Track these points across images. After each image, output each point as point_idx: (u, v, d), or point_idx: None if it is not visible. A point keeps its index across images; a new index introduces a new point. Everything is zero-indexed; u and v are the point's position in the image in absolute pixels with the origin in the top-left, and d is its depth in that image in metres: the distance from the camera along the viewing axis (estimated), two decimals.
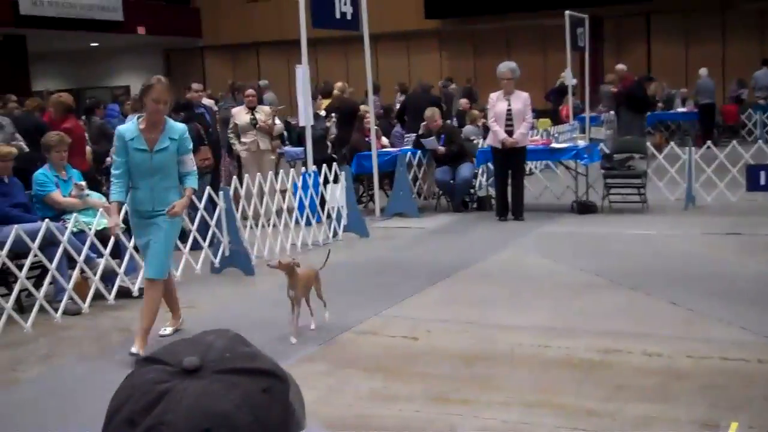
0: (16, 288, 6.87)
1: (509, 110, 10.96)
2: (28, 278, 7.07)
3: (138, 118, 6.05)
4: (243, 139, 11.38)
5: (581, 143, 11.84)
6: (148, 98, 5.82)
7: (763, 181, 10.61)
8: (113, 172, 6.00)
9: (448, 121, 14.65)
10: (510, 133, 10.94)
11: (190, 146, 6.18)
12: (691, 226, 10.16)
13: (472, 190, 12.59)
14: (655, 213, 11.23)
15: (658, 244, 9.24)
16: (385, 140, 13.60)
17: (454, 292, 7.54)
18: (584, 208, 11.52)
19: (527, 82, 23.42)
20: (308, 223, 9.91)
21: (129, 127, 5.98)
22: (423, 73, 25.71)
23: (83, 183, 7.84)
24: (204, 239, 8.65)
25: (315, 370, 5.49)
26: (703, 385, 4.87)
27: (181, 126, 6.09)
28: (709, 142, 12.73)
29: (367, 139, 12.18)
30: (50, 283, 7.21)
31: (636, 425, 4.36)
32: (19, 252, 7.02)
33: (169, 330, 6.46)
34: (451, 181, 12.03)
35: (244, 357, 0.99)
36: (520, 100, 11.03)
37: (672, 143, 13.21)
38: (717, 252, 8.66)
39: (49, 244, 7.05)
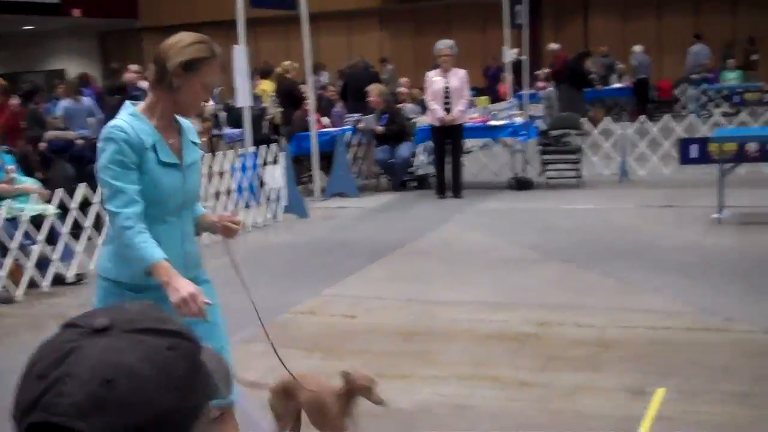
0: None
1: (447, 88, 11.03)
2: None
3: (137, 107, 3.21)
4: None
5: (518, 120, 11.97)
6: (190, 78, 3.11)
7: (694, 155, 10.85)
8: (123, 211, 3.03)
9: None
10: (448, 111, 11.02)
11: None
12: (625, 199, 10.37)
13: (411, 169, 12.66)
14: (590, 187, 11.43)
15: (593, 217, 9.42)
16: (325, 120, 13.58)
17: (393, 269, 7.61)
18: (521, 184, 11.67)
19: (467, 59, 23.57)
20: (247, 206, 9.88)
21: (138, 124, 3.13)
22: (364, 53, 25.61)
23: (12, 167, 7.71)
24: None
25: (254, 351, 5.49)
26: (632, 354, 5.01)
27: (188, 122, 3.38)
28: (642, 117, 12.98)
29: (307, 118, 12.15)
30: None
31: (567, 394, 4.47)
32: None
33: None
34: (391, 160, 12.09)
35: (153, 319, 1.04)
36: (458, 77, 11.10)
37: (606, 118, 13.43)
38: (650, 224, 8.86)
39: None
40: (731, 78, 21.77)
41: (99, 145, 3.09)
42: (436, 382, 4.75)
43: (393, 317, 6.09)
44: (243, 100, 10.00)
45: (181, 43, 3.10)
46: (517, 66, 17.88)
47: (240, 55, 9.80)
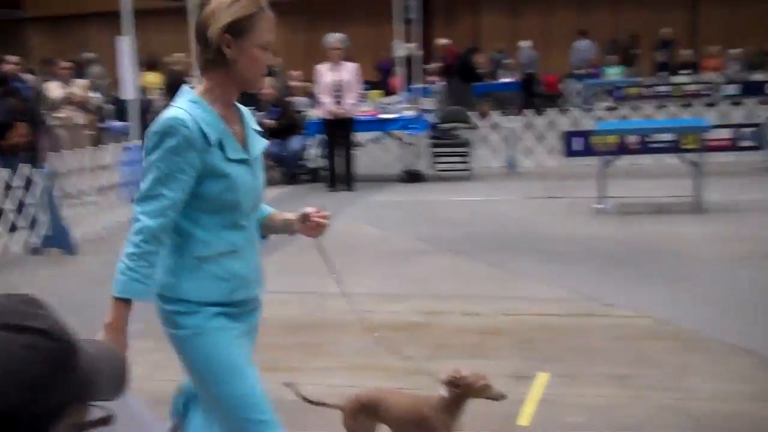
0: None
1: (338, 81, 11.05)
2: None
3: (197, 91, 2.66)
4: (58, 114, 10.92)
5: (409, 114, 12.09)
6: (243, 44, 2.58)
7: (578, 147, 11.19)
8: (147, 223, 2.57)
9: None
10: (339, 104, 11.03)
11: None
12: (512, 191, 10.61)
13: (303, 162, 12.63)
14: (479, 180, 11.65)
15: (481, 209, 9.60)
16: None
17: (284, 263, 7.56)
18: (412, 177, 11.80)
19: (360, 53, 23.61)
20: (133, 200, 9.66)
21: (201, 114, 2.57)
22: None
23: None
24: (21, 219, 8.28)
25: (140, 347, 5.38)
26: (517, 340, 5.14)
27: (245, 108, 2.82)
28: (528, 111, 13.31)
29: None
30: None
31: None
32: None
33: None
34: (283, 153, 12.03)
35: (19, 314, 1.00)
36: (348, 71, 11.13)
37: (494, 113, 13.69)
38: (536, 215, 9.10)
39: None
40: (613, 73, 22.51)
41: (152, 136, 2.54)
42: (327, 374, 4.77)
43: (284, 310, 6.06)
44: (129, 92, 9.78)
45: (221, 6, 2.55)
46: (409, 60, 18.04)
47: (125, 46, 9.57)
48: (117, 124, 13.48)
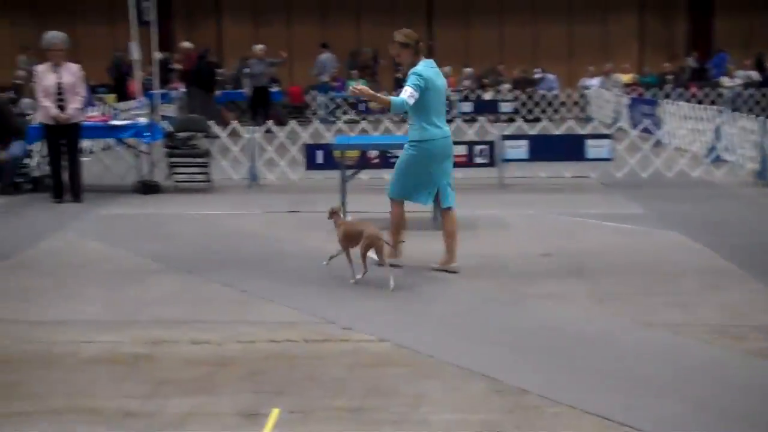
0: None
1: (60, 84, 10.13)
2: None
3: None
4: None
5: (142, 121, 11.36)
6: None
7: (319, 160, 11.02)
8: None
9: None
10: (62, 108, 10.12)
11: None
12: (253, 205, 10.23)
13: (25, 170, 11.51)
14: (219, 192, 11.18)
15: (220, 224, 9.13)
16: None
17: None
18: (148, 188, 11.10)
19: (94, 54, 22.29)
20: None
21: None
22: None
23: None
24: None
25: None
26: (249, 372, 4.74)
27: None
28: (269, 123, 13.00)
29: None
30: None
31: (175, 423, 4.07)
32: None
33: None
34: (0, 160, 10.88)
35: None
36: (71, 72, 10.25)
37: (234, 123, 13.24)
38: (276, 231, 8.76)
39: None
40: None
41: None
42: (23, 421, 4.10)
43: None
44: None
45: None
46: (164, 64, 17.17)
47: None
48: None
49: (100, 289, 6.55)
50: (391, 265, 6.56)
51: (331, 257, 6.75)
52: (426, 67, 6.82)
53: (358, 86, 7.04)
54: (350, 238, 6.54)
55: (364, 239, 6.40)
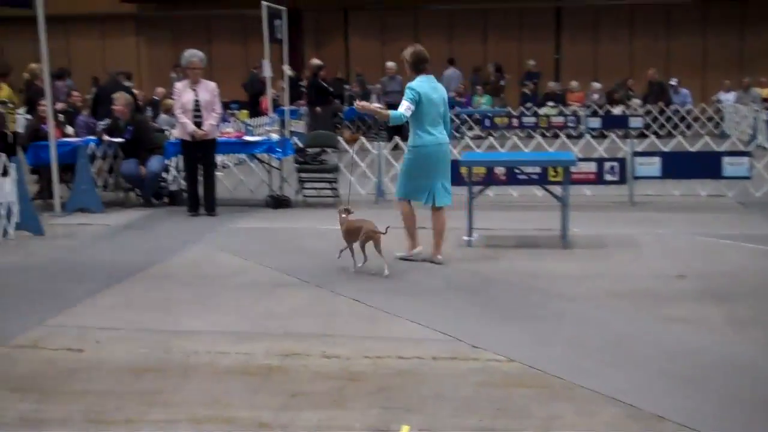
0: None
1: (197, 101, 10.52)
2: None
3: None
4: None
5: (274, 137, 11.66)
6: None
7: None
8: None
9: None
10: (199, 125, 10.50)
11: None
12: (379, 220, 10.27)
13: (163, 184, 12.01)
14: None
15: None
16: (69, 129, 12.61)
17: (132, 295, 6.99)
18: (278, 202, 11.37)
19: (227, 71, 23.06)
20: None
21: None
22: (119, 59, 24.41)
23: None
24: None
25: None
26: (378, 387, 4.78)
27: None
28: (397, 138, 13.10)
29: (44, 126, 11.16)
30: None
31: None
32: None
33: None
34: (139, 174, 11.37)
35: None
36: (208, 90, 10.63)
37: (363, 138, 13.43)
38: (402, 246, 8.78)
39: None
40: (482, 102, 22.76)
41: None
42: (164, 427, 4.27)
43: (125, 351, 5.51)
44: None
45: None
46: (293, 81, 17.63)
47: None
48: None
49: (234, 301, 6.74)
50: (432, 262, 7.90)
51: (341, 251, 7.69)
52: (421, 82, 7.77)
53: (361, 102, 8.15)
54: (351, 234, 7.57)
55: (363, 234, 7.45)
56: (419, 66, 7.83)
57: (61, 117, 12.57)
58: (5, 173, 9.37)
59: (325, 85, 17.61)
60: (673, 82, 22.79)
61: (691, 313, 6.21)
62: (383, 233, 7.46)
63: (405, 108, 7.58)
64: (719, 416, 4.33)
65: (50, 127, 10.84)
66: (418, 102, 7.63)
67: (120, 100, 11.63)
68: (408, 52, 7.88)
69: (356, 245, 7.57)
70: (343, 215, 7.76)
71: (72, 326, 6.06)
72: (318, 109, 17.16)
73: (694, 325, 5.93)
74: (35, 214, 9.72)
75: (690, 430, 4.14)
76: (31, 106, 12.64)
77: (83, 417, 4.42)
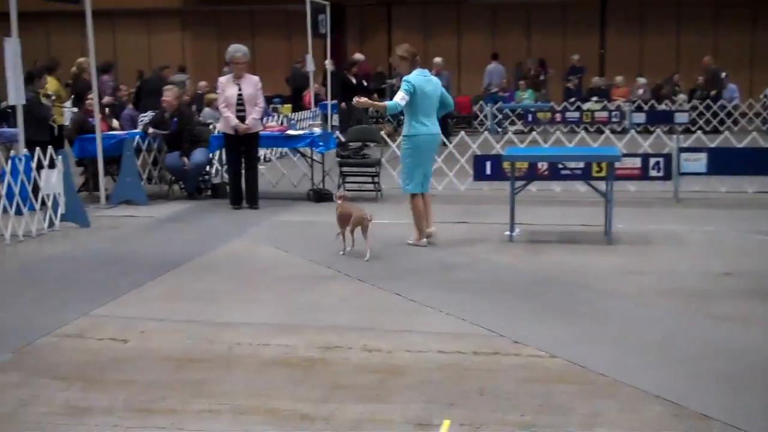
0: None
1: (240, 95, 10.59)
2: None
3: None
4: None
5: (317, 131, 11.69)
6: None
7: (488, 171, 10.99)
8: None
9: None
10: (242, 119, 10.57)
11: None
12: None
13: (206, 177, 12.12)
14: (388, 201, 11.33)
15: (388, 233, 9.21)
16: (115, 122, 12.77)
17: (175, 287, 7.07)
18: (320, 196, 11.40)
19: (270, 66, 23.18)
20: (19, 212, 8.98)
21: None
22: (165, 54, 24.67)
23: None
24: None
25: (4, 382, 4.86)
26: (419, 381, 4.78)
27: None
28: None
29: (91, 119, 11.32)
30: None
31: (349, 428, 4.16)
32: None
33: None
34: (184, 167, 11.48)
35: None
36: (251, 84, 10.68)
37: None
38: (444, 240, 8.77)
39: None
40: (525, 97, 22.62)
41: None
42: (208, 417, 4.30)
43: (168, 341, 5.57)
44: (15, 97, 9.09)
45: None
46: (336, 76, 17.66)
47: (11, 49, 8.89)
48: (8, 130, 12.67)
49: (276, 293, 6.78)
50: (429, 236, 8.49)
51: (337, 234, 8.11)
52: (416, 75, 8.21)
53: (360, 98, 8.63)
54: (343, 219, 7.97)
55: (353, 220, 7.83)
56: (414, 59, 8.34)
57: (107, 110, 12.73)
58: (52, 165, 9.52)
59: (352, 80, 17.51)
60: (723, 75, 22.39)
61: (737, 311, 6.12)
62: (370, 220, 7.84)
63: (400, 98, 8.07)
64: (766, 416, 4.25)
65: (97, 120, 10.99)
66: (413, 93, 8.07)
67: (171, 92, 11.75)
68: (403, 48, 8.44)
69: (347, 230, 7.99)
70: (339, 201, 8.18)
71: (117, 317, 6.14)
72: (344, 104, 17.06)
73: (741, 324, 5.84)
74: (81, 205, 9.87)
75: (736, 429, 4.08)
76: (79, 99, 12.83)
77: (127, 406, 4.47)
